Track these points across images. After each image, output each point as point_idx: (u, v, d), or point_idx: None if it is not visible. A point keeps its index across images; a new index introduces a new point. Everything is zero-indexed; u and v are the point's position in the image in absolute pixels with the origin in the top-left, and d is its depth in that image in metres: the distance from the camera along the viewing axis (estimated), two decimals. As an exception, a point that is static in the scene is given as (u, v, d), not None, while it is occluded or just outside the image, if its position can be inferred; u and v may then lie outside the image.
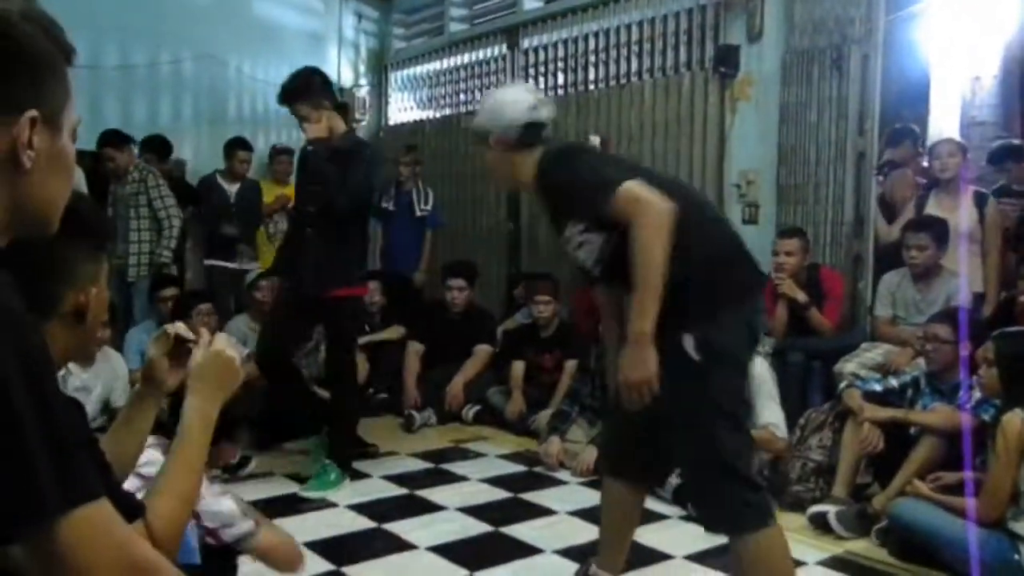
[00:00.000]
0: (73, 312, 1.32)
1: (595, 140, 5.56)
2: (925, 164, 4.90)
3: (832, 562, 3.09)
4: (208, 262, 6.05)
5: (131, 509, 1.31)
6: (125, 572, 0.93)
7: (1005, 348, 2.90)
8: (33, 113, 0.92)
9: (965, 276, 4.09)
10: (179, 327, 1.58)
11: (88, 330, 1.36)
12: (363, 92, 7.80)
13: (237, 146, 6.10)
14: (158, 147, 6.00)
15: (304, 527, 3.35)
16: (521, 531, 3.39)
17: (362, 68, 7.98)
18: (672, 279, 2.11)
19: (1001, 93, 5.46)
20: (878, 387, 3.63)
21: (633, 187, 2.16)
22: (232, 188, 6.06)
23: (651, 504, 3.66)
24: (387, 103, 8.15)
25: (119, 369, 4.25)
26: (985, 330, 3.33)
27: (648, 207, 2.12)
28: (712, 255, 2.25)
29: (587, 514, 3.58)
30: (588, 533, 3.35)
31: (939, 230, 4.14)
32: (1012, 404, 2.79)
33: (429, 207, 6.40)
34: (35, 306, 1.26)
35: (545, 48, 6.61)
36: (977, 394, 3.25)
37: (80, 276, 1.33)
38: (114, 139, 5.46)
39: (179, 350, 1.56)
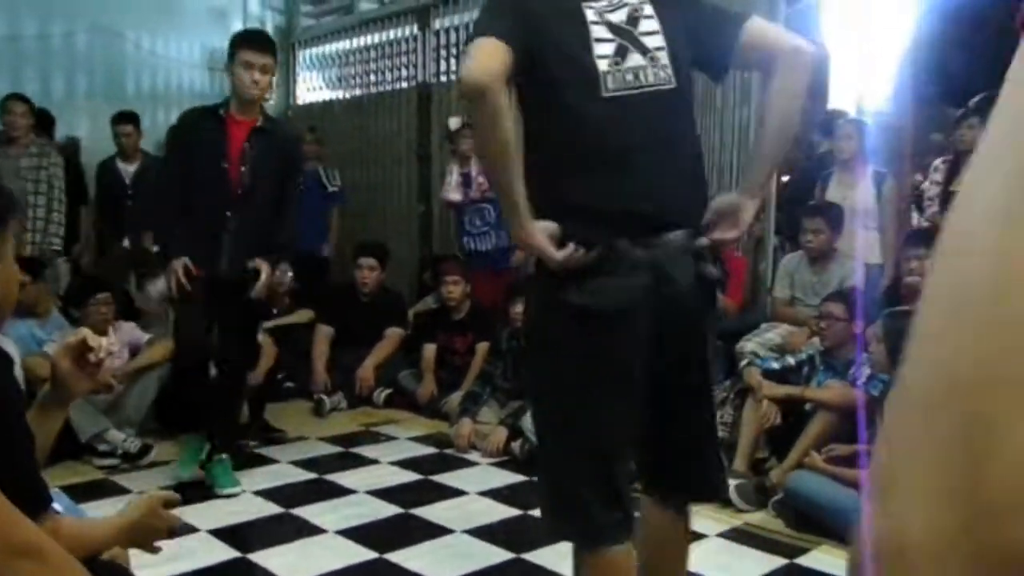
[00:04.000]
0: None
1: (454, 122, 5.54)
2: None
3: (731, 534, 3.20)
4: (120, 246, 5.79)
5: (39, 499, 1.27)
6: (13, 555, 0.90)
7: (892, 326, 3.05)
8: None
9: (861, 255, 4.25)
10: (87, 334, 1.53)
11: None
12: (269, 70, 7.60)
13: (119, 120, 5.81)
14: (41, 120, 5.60)
15: (209, 515, 3.29)
16: (432, 512, 3.39)
17: (268, 46, 7.78)
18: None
19: (894, 82, 5.69)
20: (776, 365, 3.77)
21: (480, 44, 1.66)
22: (129, 169, 5.80)
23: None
24: (295, 82, 7.98)
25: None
26: (878, 309, 3.48)
27: (465, 72, 1.65)
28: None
29: (496, 494, 3.63)
30: (498, 513, 3.40)
31: (834, 214, 4.29)
32: (899, 380, 2.92)
33: (338, 184, 6.35)
34: None
35: (456, 29, 6.56)
36: (867, 370, 3.41)
37: None
38: (14, 98, 5.17)
39: (84, 356, 1.51)
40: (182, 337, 3.86)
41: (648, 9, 1.78)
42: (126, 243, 5.78)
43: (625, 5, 1.78)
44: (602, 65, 1.73)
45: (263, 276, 3.59)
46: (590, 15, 1.75)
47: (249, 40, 3.63)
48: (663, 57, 1.77)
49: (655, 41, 1.77)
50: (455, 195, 5.47)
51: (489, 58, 1.62)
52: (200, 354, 3.75)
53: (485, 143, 1.72)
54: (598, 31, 1.74)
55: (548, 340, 1.80)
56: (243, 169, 3.55)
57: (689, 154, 1.87)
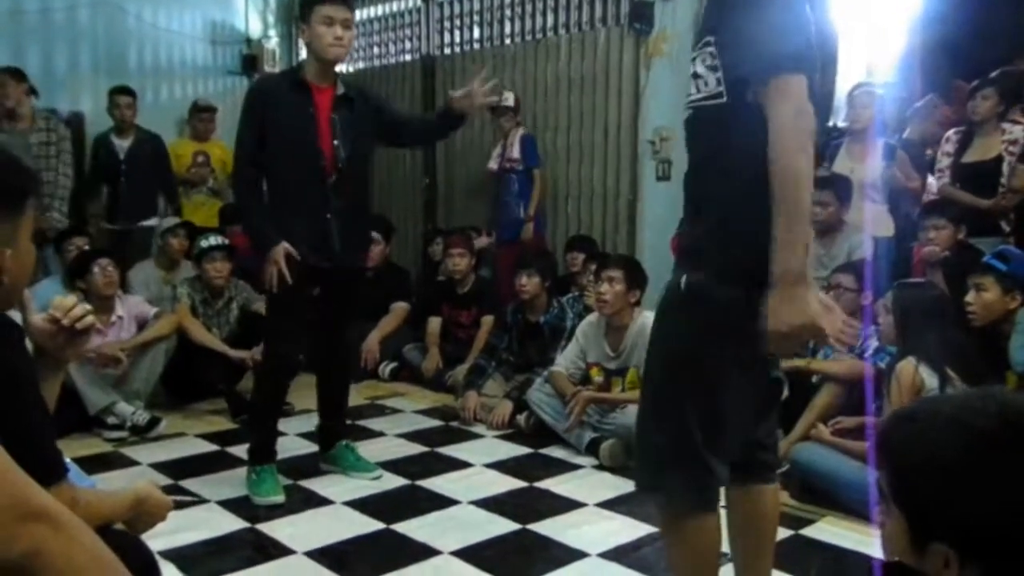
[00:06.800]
0: None
1: (508, 96, 5.54)
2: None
3: (738, 505, 3.20)
4: (105, 225, 5.74)
5: (55, 468, 1.28)
6: (24, 519, 0.90)
7: (902, 298, 3.03)
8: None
9: (870, 227, 4.22)
10: (56, 302, 1.52)
11: (7, 292, 1.28)
12: (272, 44, 7.55)
13: (116, 92, 5.74)
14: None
15: (217, 487, 3.31)
16: (438, 484, 3.41)
17: (271, 19, 7.72)
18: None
19: (904, 55, 5.64)
20: (782, 337, 3.75)
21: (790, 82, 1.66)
22: (123, 144, 5.71)
23: (566, 456, 3.75)
24: (297, 55, 7.91)
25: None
26: (888, 281, 3.45)
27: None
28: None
29: (502, 466, 3.64)
30: (502, 484, 3.41)
31: (842, 187, 4.26)
32: (906, 352, 2.92)
33: None
34: None
35: (460, 2, 6.52)
36: (875, 342, 3.40)
37: None
38: (11, 71, 5.14)
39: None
40: (281, 338, 3.26)
41: None
42: (118, 224, 5.68)
43: None
44: None
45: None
46: None
47: None
48: None
49: None
50: (493, 164, 5.72)
51: (804, 99, 1.62)
52: (295, 359, 3.36)
53: (806, 157, 1.63)
54: None
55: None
56: (336, 143, 3.15)
57: None
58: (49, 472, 1.24)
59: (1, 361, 1.23)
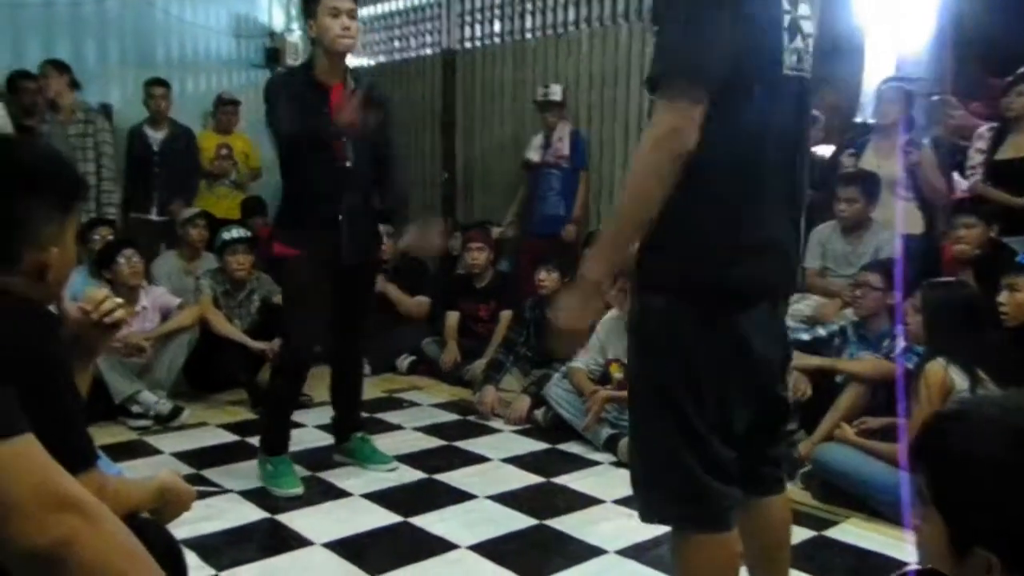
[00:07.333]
0: (33, 270, 1.29)
1: (556, 90, 5.51)
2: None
3: (759, 505, 3.17)
4: (133, 215, 5.78)
5: (86, 455, 1.29)
6: (55, 509, 0.90)
7: (931, 297, 2.98)
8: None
9: (900, 224, 4.15)
10: (90, 294, 1.55)
11: (49, 288, 1.33)
12: (295, 37, 7.57)
13: (152, 83, 5.82)
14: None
15: (237, 477, 3.33)
16: (455, 478, 3.40)
17: (293, 12, 7.73)
18: None
19: (933, 50, 5.55)
20: (806, 336, 3.71)
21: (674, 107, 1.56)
22: (157, 136, 5.78)
23: (583, 452, 3.74)
24: (320, 49, 7.94)
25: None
26: (916, 279, 3.39)
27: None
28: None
29: (519, 461, 3.63)
30: (520, 479, 3.40)
31: (869, 184, 4.21)
32: (935, 353, 2.86)
33: None
34: None
35: (483, -5, 6.51)
36: (902, 342, 3.35)
37: (41, 237, 1.29)
38: (55, 63, 5.20)
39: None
40: (297, 330, 3.24)
41: None
42: (153, 215, 5.75)
43: None
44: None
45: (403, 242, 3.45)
46: None
47: None
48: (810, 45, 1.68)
49: (809, 27, 1.68)
50: (534, 156, 5.59)
51: (696, 128, 1.52)
52: (311, 351, 3.34)
53: (657, 179, 1.55)
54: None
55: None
56: (344, 140, 3.11)
57: None
58: (80, 459, 1.25)
59: (37, 349, 1.25)
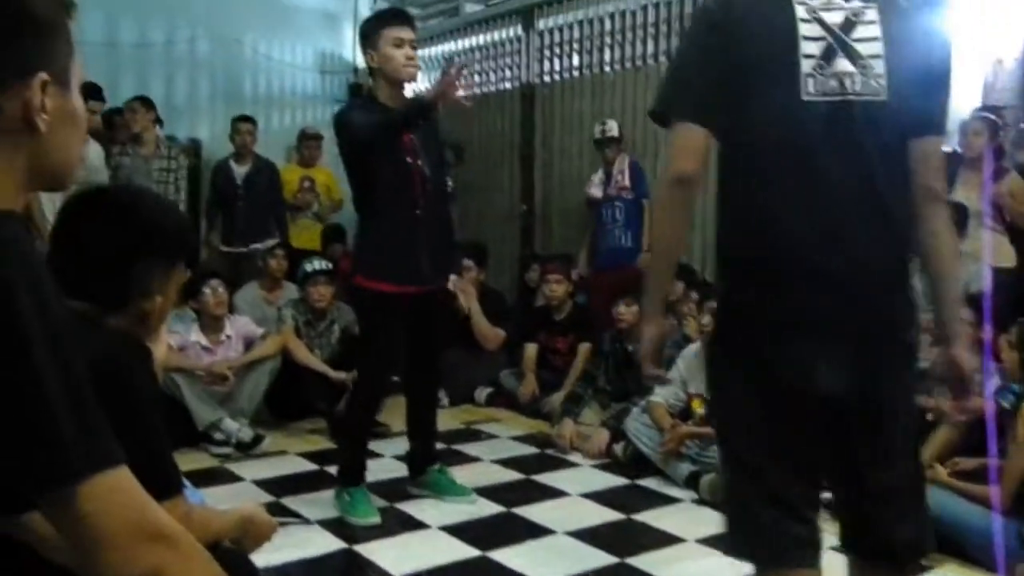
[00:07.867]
0: (137, 315, 1.40)
1: (612, 126, 5.51)
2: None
3: (846, 547, 3.06)
4: (222, 247, 5.95)
5: (172, 483, 1.34)
6: (145, 540, 0.92)
7: (1028, 334, 2.86)
8: (44, 76, 0.92)
9: (989, 256, 4.01)
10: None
11: (147, 331, 1.43)
12: (378, 73, 7.76)
13: (239, 120, 6.02)
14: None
15: (316, 506, 3.36)
16: (533, 512, 3.38)
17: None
18: None
19: (1021, 76, 5.37)
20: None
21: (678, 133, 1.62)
22: (241, 170, 5.93)
23: (664, 488, 3.67)
24: (402, 84, 8.11)
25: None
26: (1010, 315, 3.26)
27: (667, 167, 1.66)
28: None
29: (598, 496, 3.58)
30: (599, 515, 3.36)
31: (956, 215, 4.06)
32: (1033, 391, 2.75)
33: (451, 185, 6.41)
34: (98, 301, 1.36)
35: (560, 29, 6.57)
36: (997, 380, 3.21)
37: (151, 289, 1.40)
38: (142, 99, 5.45)
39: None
40: (373, 360, 3.31)
41: (871, 15, 1.61)
42: (236, 247, 5.85)
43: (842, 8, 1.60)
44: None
45: (461, 286, 3.46)
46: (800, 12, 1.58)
47: (396, 16, 3.28)
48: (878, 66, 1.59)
49: (871, 49, 1.59)
50: (596, 192, 5.62)
51: (689, 152, 1.59)
52: (387, 381, 3.40)
53: (660, 206, 1.72)
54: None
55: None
56: (419, 163, 3.15)
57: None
58: (166, 486, 1.29)
59: (130, 378, 1.32)
